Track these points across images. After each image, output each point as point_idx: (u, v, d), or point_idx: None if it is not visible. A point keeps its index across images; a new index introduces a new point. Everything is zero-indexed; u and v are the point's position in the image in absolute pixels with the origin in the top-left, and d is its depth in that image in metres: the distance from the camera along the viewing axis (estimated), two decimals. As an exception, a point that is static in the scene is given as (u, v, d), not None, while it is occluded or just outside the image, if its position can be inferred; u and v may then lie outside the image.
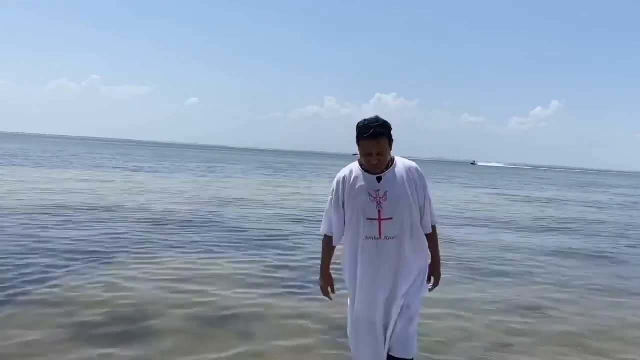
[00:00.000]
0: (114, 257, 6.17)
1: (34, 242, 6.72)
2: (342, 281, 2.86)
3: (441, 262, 2.86)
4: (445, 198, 18.49)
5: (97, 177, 18.56)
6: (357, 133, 2.56)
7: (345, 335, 2.93)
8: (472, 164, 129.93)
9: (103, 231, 7.81)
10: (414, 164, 2.73)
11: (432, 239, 2.81)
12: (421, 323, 3.00)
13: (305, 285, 5.39)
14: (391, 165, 2.67)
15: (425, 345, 3.85)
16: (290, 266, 6.29)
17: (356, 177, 2.68)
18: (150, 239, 7.41)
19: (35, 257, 5.86)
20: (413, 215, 2.65)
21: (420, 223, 2.71)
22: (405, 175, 2.65)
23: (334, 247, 2.85)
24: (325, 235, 2.85)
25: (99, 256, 6.16)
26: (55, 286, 4.88)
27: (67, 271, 5.39)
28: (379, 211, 2.61)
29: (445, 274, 3.05)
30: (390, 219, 2.62)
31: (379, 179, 2.63)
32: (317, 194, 17.48)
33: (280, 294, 5.10)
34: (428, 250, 2.79)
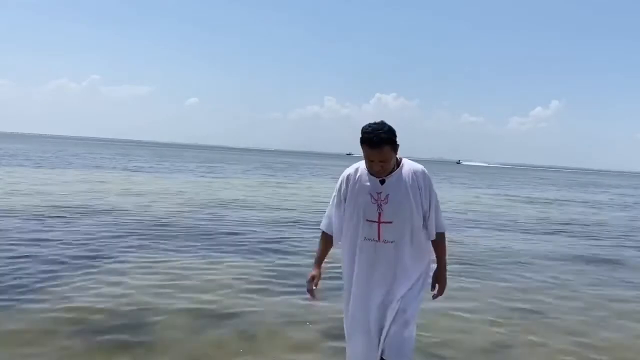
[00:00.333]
0: (113, 259, 6.15)
1: (33, 243, 6.71)
2: (341, 283, 2.85)
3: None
4: (445, 198, 18.48)
5: (97, 178, 18.55)
6: (361, 138, 2.52)
7: (344, 337, 2.92)
8: (457, 163, 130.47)
9: (102, 233, 7.79)
10: (420, 168, 2.66)
11: (438, 246, 2.75)
12: (419, 322, 2.98)
13: (305, 287, 5.36)
14: (396, 168, 2.63)
15: (424, 345, 3.85)
16: (291, 268, 6.28)
17: (360, 177, 2.66)
18: (150, 241, 7.40)
19: (33, 260, 5.84)
20: (414, 220, 2.61)
21: (425, 229, 2.66)
22: (409, 179, 2.61)
23: (331, 244, 2.83)
24: (324, 232, 2.83)
25: (98, 258, 6.14)
26: (54, 288, 4.87)
27: (66, 274, 5.37)
28: (379, 213, 2.60)
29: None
30: (390, 222, 2.59)
31: (382, 182, 2.61)
32: (317, 194, 17.47)
33: (280, 296, 5.09)
34: (431, 254, 2.73)
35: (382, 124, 2.52)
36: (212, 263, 6.27)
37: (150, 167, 28.91)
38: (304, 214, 11.69)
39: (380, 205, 2.59)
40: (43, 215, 9.06)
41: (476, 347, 4.02)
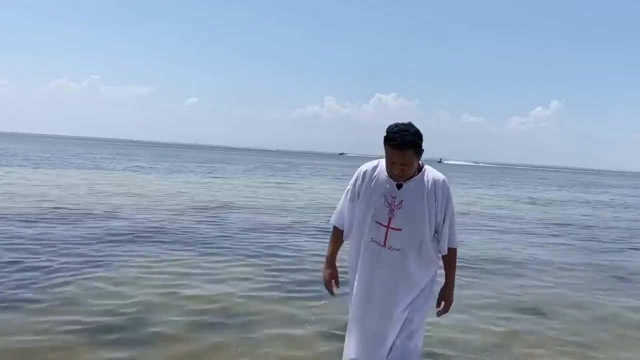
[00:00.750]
0: (113, 260, 6.15)
1: (32, 243, 6.70)
2: (344, 285, 2.85)
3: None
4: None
5: (97, 178, 18.55)
6: (385, 137, 2.39)
7: (344, 338, 2.91)
8: (438, 162, 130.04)
9: (102, 233, 7.79)
10: (441, 177, 2.54)
11: (447, 262, 2.66)
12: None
13: (307, 287, 5.37)
14: (417, 174, 2.51)
15: (424, 344, 3.84)
16: (292, 268, 6.27)
17: (378, 175, 2.56)
18: (150, 241, 7.39)
19: (33, 260, 5.84)
20: (425, 231, 2.50)
21: (436, 242, 2.58)
22: (427, 188, 2.49)
23: (342, 239, 2.76)
24: (335, 227, 2.77)
25: (99, 258, 6.14)
26: (53, 289, 4.87)
27: (66, 274, 5.37)
28: (390, 218, 2.51)
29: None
30: (399, 230, 2.50)
31: (399, 186, 2.50)
32: (317, 194, 17.48)
33: (281, 296, 5.08)
34: (438, 264, 2.66)
35: (410, 125, 2.40)
36: (212, 264, 6.26)
37: (150, 167, 28.90)
38: (305, 215, 11.68)
39: (393, 210, 2.50)
40: (43, 215, 9.05)
41: (476, 347, 4.01)
